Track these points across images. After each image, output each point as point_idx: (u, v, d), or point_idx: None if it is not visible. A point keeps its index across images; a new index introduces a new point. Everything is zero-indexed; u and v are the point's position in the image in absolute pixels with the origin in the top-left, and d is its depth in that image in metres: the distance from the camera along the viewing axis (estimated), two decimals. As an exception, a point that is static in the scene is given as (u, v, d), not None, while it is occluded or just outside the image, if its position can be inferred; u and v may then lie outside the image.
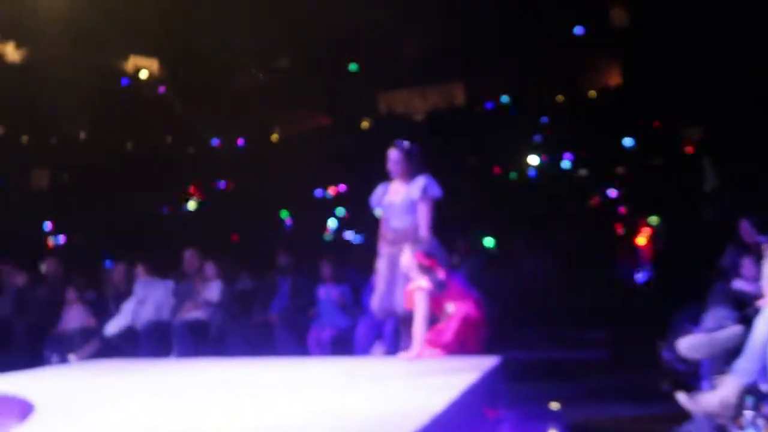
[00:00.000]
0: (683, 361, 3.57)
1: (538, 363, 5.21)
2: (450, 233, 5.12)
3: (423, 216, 4.10)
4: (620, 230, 8.93)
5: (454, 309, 3.90)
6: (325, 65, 14.02)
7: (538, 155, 12.31)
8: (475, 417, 2.89)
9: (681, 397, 3.22)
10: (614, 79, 14.98)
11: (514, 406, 3.51)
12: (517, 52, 13.74)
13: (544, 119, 13.15)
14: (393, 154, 4.25)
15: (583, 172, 11.76)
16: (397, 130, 10.76)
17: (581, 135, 12.00)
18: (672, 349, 3.61)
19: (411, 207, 4.14)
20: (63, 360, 5.92)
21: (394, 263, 4.12)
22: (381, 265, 4.24)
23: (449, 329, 3.75)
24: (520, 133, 12.63)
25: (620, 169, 11.26)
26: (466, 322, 3.78)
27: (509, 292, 6.13)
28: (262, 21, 11.65)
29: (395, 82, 14.82)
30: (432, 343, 3.80)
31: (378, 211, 4.47)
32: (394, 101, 15.15)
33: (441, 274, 3.91)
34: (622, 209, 10.03)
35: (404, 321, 4.15)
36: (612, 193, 10.65)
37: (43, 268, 7.38)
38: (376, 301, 4.24)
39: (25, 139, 12.25)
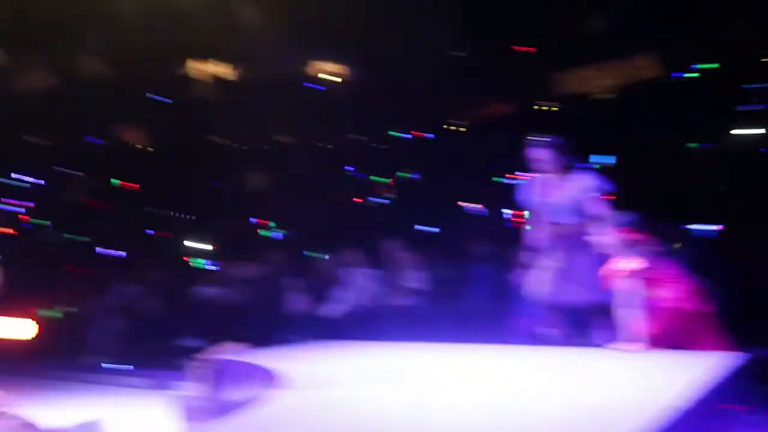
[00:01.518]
0: None
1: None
2: (659, 217, 4.78)
3: (605, 214, 3.83)
4: None
5: (666, 296, 3.66)
6: (500, 52, 13.86)
7: (749, 126, 10.97)
8: (713, 418, 2.64)
9: None
10: None
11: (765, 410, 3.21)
12: (713, 11, 12.33)
13: (753, 85, 11.64)
14: (541, 153, 3.96)
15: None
16: (580, 111, 10.38)
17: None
18: None
19: (578, 207, 3.91)
20: (288, 341, 6.76)
21: (567, 255, 3.96)
22: (550, 259, 4.06)
23: (663, 319, 3.55)
24: (723, 103, 11.36)
25: None
26: (682, 312, 3.56)
27: (745, 281, 5.44)
28: (435, 16, 11.92)
29: (575, 61, 14.15)
30: (642, 334, 3.53)
31: (527, 213, 4.27)
32: (575, 81, 14.51)
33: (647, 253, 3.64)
34: None
35: (595, 311, 3.91)
36: None
37: (269, 260, 8.46)
38: (547, 294, 4.07)
39: (241, 146, 14.01)
